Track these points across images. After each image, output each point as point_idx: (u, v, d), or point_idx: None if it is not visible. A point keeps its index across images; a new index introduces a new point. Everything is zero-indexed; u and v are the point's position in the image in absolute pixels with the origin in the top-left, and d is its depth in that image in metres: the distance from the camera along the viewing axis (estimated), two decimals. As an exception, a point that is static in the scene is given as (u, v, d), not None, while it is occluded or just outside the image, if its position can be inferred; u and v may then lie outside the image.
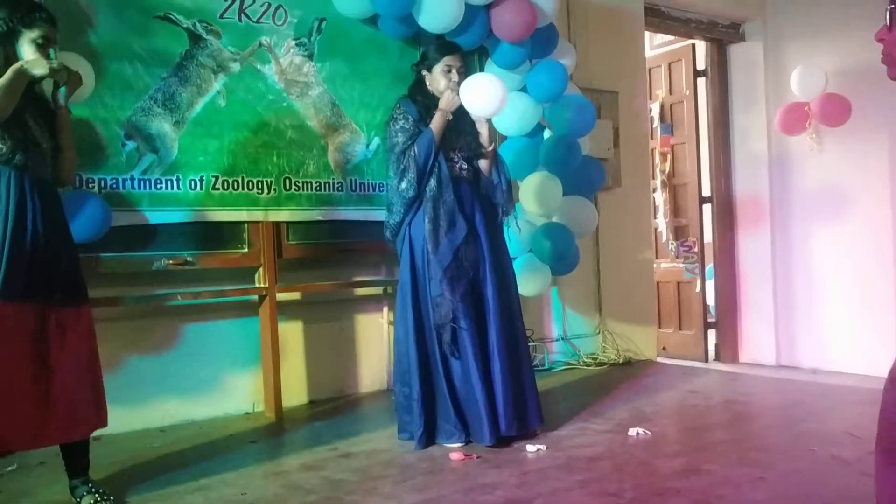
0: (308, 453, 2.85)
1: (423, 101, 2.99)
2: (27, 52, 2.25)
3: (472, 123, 3.00)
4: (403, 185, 2.90)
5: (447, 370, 2.88)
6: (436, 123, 2.90)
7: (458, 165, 2.98)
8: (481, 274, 2.93)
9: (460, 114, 2.94)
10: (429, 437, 2.88)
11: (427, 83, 3.02)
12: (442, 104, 2.92)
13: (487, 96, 2.84)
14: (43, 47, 2.27)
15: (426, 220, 2.87)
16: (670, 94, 6.05)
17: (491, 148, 3.01)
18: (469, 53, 3.88)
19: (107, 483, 2.48)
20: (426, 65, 3.03)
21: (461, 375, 2.87)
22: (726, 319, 5.83)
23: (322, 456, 2.81)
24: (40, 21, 2.27)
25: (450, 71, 2.97)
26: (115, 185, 3.14)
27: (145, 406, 3.33)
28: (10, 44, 2.24)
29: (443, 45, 3.10)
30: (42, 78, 2.24)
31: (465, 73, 3.00)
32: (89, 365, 2.35)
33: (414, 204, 2.92)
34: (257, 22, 3.49)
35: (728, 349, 5.82)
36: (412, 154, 2.88)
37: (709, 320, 5.89)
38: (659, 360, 5.05)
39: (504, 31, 3.60)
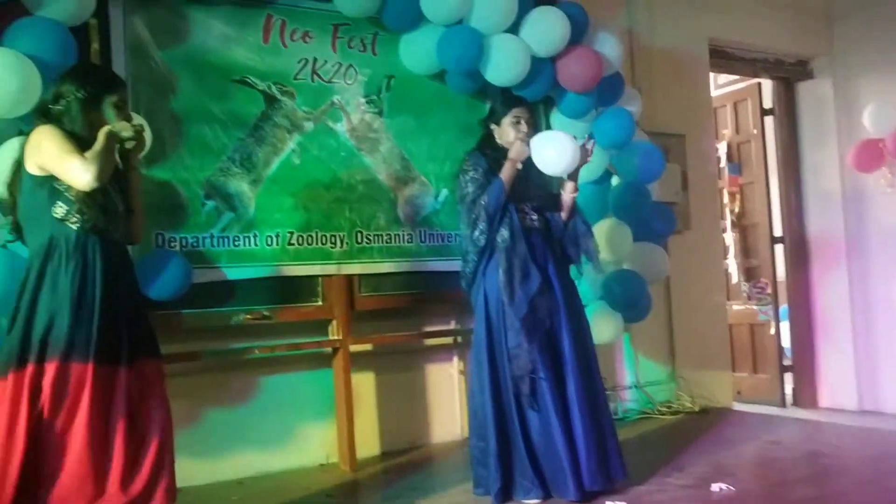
0: (385, 509, 2.85)
1: (492, 154, 3.02)
2: (109, 115, 2.37)
3: (542, 174, 3.02)
4: (475, 234, 2.92)
5: (524, 423, 2.85)
6: (505, 173, 2.92)
7: (529, 216, 2.99)
8: (556, 324, 2.91)
9: (530, 165, 2.95)
10: (505, 493, 2.84)
11: (496, 136, 3.05)
12: (511, 154, 2.93)
13: (558, 153, 2.85)
14: (122, 110, 2.41)
15: (500, 271, 2.88)
16: (737, 133, 5.97)
17: (573, 196, 3.01)
18: (534, 104, 3.93)
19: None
20: (494, 118, 3.07)
21: (539, 428, 2.84)
22: (803, 362, 5.65)
23: (399, 512, 2.81)
24: (118, 86, 2.43)
25: (518, 122, 3.00)
26: (195, 244, 3.25)
27: (223, 458, 3.39)
28: (94, 109, 2.36)
29: (509, 98, 3.15)
30: (128, 139, 2.35)
31: (532, 123, 3.03)
32: (160, 428, 2.35)
33: (486, 253, 2.94)
34: (329, 82, 3.59)
35: (806, 393, 5.62)
36: (482, 203, 2.90)
37: (785, 363, 5.71)
38: (735, 406, 4.91)
39: (571, 81, 3.63)
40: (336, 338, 3.54)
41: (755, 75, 5.65)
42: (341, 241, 3.57)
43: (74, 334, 2.21)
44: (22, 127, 2.68)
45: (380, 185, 3.70)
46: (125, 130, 2.33)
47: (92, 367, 2.21)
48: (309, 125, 3.53)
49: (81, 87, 2.34)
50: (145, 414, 2.33)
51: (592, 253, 3.06)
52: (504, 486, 2.83)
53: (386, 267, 3.68)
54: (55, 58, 2.65)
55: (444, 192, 3.85)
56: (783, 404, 5.54)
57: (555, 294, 2.93)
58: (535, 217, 3.01)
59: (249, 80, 3.41)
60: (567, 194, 3.03)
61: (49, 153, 2.23)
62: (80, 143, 2.26)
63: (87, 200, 2.27)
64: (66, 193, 2.26)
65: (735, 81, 5.96)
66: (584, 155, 2.95)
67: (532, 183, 3.03)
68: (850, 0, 5.43)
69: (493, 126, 3.07)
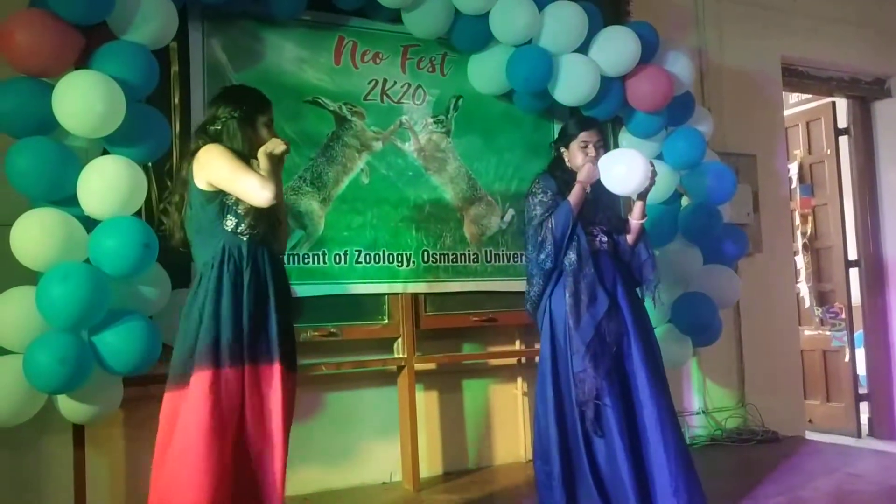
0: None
1: (561, 176, 2.99)
2: (262, 133, 2.50)
3: (612, 197, 2.99)
4: (542, 256, 2.90)
5: (589, 449, 2.80)
6: (574, 196, 2.89)
7: (597, 239, 2.96)
8: (626, 348, 2.86)
9: (600, 188, 2.93)
10: None
11: (566, 159, 3.03)
12: (580, 177, 2.91)
13: (628, 171, 2.82)
14: (270, 128, 2.54)
15: (567, 295, 2.85)
16: (809, 153, 5.81)
17: (642, 221, 2.97)
18: (603, 123, 3.89)
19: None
20: (564, 141, 3.04)
21: (605, 455, 2.78)
22: (880, 390, 5.43)
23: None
24: (267, 106, 2.56)
25: (586, 146, 2.96)
26: (266, 261, 3.30)
27: (288, 473, 3.40)
28: (249, 127, 2.48)
29: (579, 120, 3.11)
30: (284, 154, 2.45)
31: (602, 146, 3.00)
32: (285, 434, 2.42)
33: (552, 276, 2.91)
34: (398, 102, 3.63)
35: (884, 423, 5.40)
36: (549, 226, 2.88)
37: (860, 391, 5.49)
38: (808, 435, 4.74)
39: (640, 101, 3.59)
40: (401, 356, 3.55)
41: (829, 94, 5.51)
42: (408, 260, 3.59)
43: (257, 339, 2.36)
44: (105, 147, 2.79)
45: (447, 204, 3.71)
46: (279, 147, 2.43)
47: (280, 368, 2.37)
48: (377, 145, 3.57)
49: (237, 108, 2.48)
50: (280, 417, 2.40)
51: (651, 284, 3.01)
52: None
53: (452, 286, 3.69)
54: (139, 80, 2.74)
55: (511, 211, 3.84)
56: (858, 434, 5.33)
57: (623, 317, 2.88)
58: (604, 240, 2.97)
59: (321, 101, 3.47)
60: (634, 219, 2.99)
61: (222, 171, 2.37)
62: (241, 159, 2.41)
63: (255, 213, 2.41)
64: (235, 207, 2.40)
65: (808, 100, 5.82)
66: (651, 178, 2.91)
67: (601, 205, 3.00)
68: (929, 16, 5.26)
69: (562, 149, 3.05)
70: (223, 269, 2.37)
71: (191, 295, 2.40)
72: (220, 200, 2.40)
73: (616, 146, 3.89)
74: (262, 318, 2.38)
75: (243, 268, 2.38)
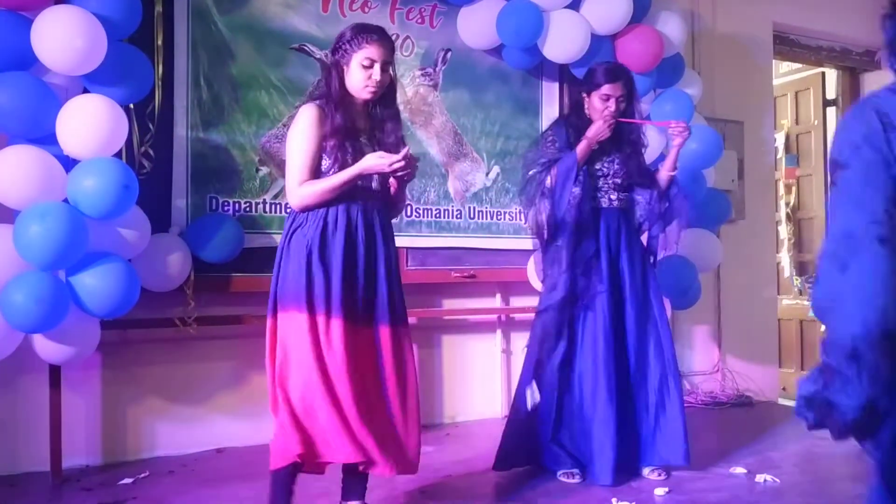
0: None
1: (576, 123, 2.91)
2: (357, 76, 2.30)
3: (636, 149, 2.95)
4: (541, 216, 2.86)
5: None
6: (579, 151, 2.81)
7: (608, 196, 2.90)
8: (625, 316, 2.88)
9: (622, 140, 2.88)
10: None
11: (585, 106, 2.91)
12: (589, 133, 2.81)
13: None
14: (372, 70, 2.28)
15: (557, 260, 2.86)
16: (797, 123, 5.82)
17: (673, 173, 2.95)
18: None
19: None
20: (587, 88, 2.90)
21: (585, 402, 2.85)
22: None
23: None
24: (369, 39, 2.28)
25: (608, 100, 2.82)
26: (248, 209, 3.28)
27: (267, 419, 3.42)
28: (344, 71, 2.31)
29: (609, 70, 2.88)
30: (394, 174, 2.30)
31: (625, 101, 2.85)
32: (412, 390, 2.35)
33: (552, 231, 2.87)
34: (386, 53, 3.58)
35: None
36: (549, 181, 2.83)
37: (834, 361, 5.57)
38: (780, 401, 4.81)
39: (630, 60, 3.55)
40: (381, 309, 3.55)
41: (819, 64, 5.50)
42: (391, 214, 3.57)
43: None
44: (86, 85, 2.74)
45: (431, 159, 3.69)
46: (380, 164, 2.20)
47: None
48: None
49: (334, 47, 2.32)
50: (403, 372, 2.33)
51: (688, 216, 3.02)
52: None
53: (434, 241, 3.69)
54: (121, 18, 2.69)
55: (496, 169, 3.83)
56: (830, 402, 5.41)
57: (622, 283, 2.89)
58: (614, 196, 2.91)
59: (307, 48, 3.42)
60: (667, 171, 2.94)
61: (287, 151, 2.28)
62: (351, 122, 2.27)
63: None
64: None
65: (797, 70, 5.81)
66: (686, 132, 2.87)
67: (622, 158, 2.91)
68: (924, -12, 5.23)
69: (584, 94, 2.91)
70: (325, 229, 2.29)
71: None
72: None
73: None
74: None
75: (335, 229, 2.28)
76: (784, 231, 5.80)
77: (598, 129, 2.81)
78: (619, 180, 2.91)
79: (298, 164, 2.24)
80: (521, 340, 4.03)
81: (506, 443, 2.88)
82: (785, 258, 5.80)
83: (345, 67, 2.28)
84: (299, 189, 2.23)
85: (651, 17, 3.72)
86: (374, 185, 2.31)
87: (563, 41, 3.48)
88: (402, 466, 2.27)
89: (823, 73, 5.63)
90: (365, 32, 2.27)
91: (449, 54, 3.72)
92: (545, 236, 2.88)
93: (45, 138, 2.63)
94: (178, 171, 3.15)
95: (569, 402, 2.85)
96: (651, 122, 2.94)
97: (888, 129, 1.16)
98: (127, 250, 2.77)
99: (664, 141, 3.83)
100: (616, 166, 2.91)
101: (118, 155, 2.79)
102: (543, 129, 3.88)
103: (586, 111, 2.90)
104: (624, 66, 2.99)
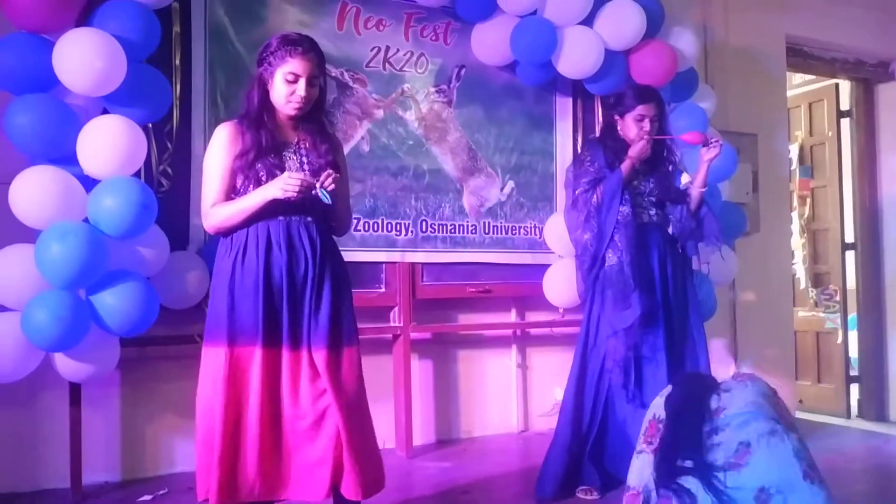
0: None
1: (612, 145, 2.98)
2: (280, 89, 2.21)
3: (668, 167, 3.02)
4: (586, 236, 2.92)
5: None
6: (624, 171, 2.88)
7: (647, 212, 2.97)
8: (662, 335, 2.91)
9: (656, 158, 2.94)
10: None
11: (618, 127, 2.99)
12: (632, 152, 2.89)
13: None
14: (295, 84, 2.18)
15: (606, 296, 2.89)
16: (811, 135, 5.80)
17: (702, 190, 2.99)
18: (605, 99, 3.89)
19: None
20: (619, 110, 2.99)
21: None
22: (871, 373, 5.46)
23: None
24: (292, 50, 2.18)
25: (642, 120, 2.92)
26: (265, 226, 3.30)
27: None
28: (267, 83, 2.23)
29: (640, 92, 3.01)
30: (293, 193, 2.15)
31: (658, 120, 2.94)
32: (355, 413, 2.19)
33: (599, 254, 2.91)
34: (400, 70, 3.61)
35: (873, 405, 5.43)
36: (595, 199, 2.89)
37: (851, 373, 5.54)
38: (798, 415, 4.78)
39: (644, 76, 3.57)
40: (397, 325, 3.57)
41: (833, 76, 5.48)
42: (406, 230, 3.59)
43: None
44: (105, 106, 2.77)
45: (446, 175, 3.71)
46: (289, 189, 2.08)
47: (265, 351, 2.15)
48: (379, 113, 3.56)
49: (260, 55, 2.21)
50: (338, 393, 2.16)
51: (719, 236, 3.08)
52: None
53: (449, 257, 3.70)
54: (140, 39, 2.73)
55: (511, 184, 3.84)
56: (848, 415, 5.38)
57: (669, 299, 2.94)
58: (653, 212, 2.98)
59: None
60: (696, 188, 3.00)
61: (204, 168, 2.23)
62: (269, 140, 2.18)
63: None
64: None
65: (811, 82, 5.79)
66: (718, 148, 2.93)
67: (658, 175, 2.99)
68: (937, -1, 5.22)
69: (616, 117, 3.00)
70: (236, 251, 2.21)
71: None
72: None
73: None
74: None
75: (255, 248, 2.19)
76: (798, 242, 5.77)
77: (641, 149, 2.87)
78: (653, 198, 2.99)
79: (210, 186, 2.18)
80: (536, 355, 4.05)
81: (549, 469, 2.86)
82: (800, 270, 5.77)
83: (269, 80, 2.18)
84: (210, 211, 2.17)
85: (664, 32, 3.73)
86: (296, 198, 2.11)
87: (577, 57, 3.49)
88: (350, 489, 2.12)
89: (837, 85, 5.60)
90: (289, 44, 2.15)
91: (463, 71, 3.74)
92: (591, 254, 2.91)
93: (66, 158, 2.66)
94: (196, 190, 3.16)
95: (612, 420, 2.87)
96: (686, 138, 2.97)
97: None
98: (146, 268, 2.79)
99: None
100: (651, 184, 2.98)
101: (137, 174, 2.82)
102: (557, 144, 3.91)
103: (619, 132, 2.98)
104: (654, 88, 3.10)
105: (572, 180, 2.98)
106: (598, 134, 3.09)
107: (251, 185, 2.15)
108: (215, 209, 2.16)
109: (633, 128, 2.92)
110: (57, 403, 2.95)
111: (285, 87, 2.16)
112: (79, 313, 2.55)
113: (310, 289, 2.16)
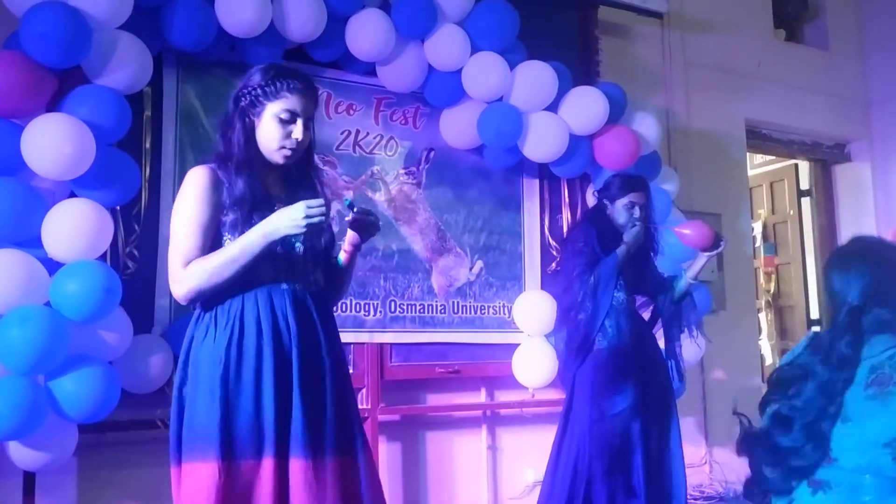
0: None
1: (602, 228, 3.04)
2: (270, 131, 1.89)
3: (649, 256, 3.12)
4: (581, 315, 2.93)
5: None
6: (621, 255, 2.95)
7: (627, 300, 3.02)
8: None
9: (643, 246, 3.03)
10: None
11: (607, 211, 3.08)
12: (628, 238, 2.96)
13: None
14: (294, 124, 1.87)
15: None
16: (773, 213, 5.95)
17: (690, 283, 3.08)
18: (571, 181, 3.97)
19: None
20: (609, 195, 3.09)
21: None
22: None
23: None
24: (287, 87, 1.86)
25: (633, 207, 3.02)
26: (231, 307, 3.28)
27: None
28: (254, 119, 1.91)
29: (627, 181, 3.13)
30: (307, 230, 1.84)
31: (646, 208, 3.05)
32: None
33: (590, 337, 2.93)
34: (370, 153, 3.67)
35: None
36: (592, 281, 2.92)
37: (822, 451, 5.53)
38: (770, 494, 4.75)
39: (608, 159, 3.66)
40: (365, 407, 3.51)
41: (792, 156, 5.67)
42: (375, 310, 3.58)
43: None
44: (73, 189, 2.77)
45: (415, 255, 3.73)
46: (293, 227, 1.71)
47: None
48: (349, 194, 3.60)
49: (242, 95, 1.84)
50: None
51: (698, 324, 3.19)
52: None
53: (418, 337, 3.68)
54: (111, 124, 2.74)
55: (480, 263, 3.87)
56: (820, 493, 5.35)
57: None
58: (622, 298, 3.01)
59: (293, 149, 3.48)
60: (689, 279, 3.11)
61: (172, 225, 1.81)
62: (262, 190, 1.81)
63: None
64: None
65: (771, 161, 5.98)
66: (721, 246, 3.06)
67: (639, 263, 3.07)
68: (888, 86, 5.46)
69: (606, 202, 3.09)
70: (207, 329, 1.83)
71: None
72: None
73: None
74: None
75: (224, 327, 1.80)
76: (765, 319, 5.85)
77: (636, 235, 2.94)
78: (638, 287, 3.09)
79: (184, 241, 1.74)
80: (507, 436, 4.00)
81: None
82: (765, 346, 5.83)
83: (255, 120, 1.81)
84: (186, 271, 1.72)
85: (627, 117, 3.84)
86: (299, 251, 1.79)
87: (542, 142, 3.58)
88: None
89: (797, 165, 5.79)
90: (286, 77, 1.80)
91: (432, 153, 3.81)
92: (582, 336, 2.92)
93: (30, 241, 2.63)
94: (161, 271, 3.14)
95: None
96: (690, 239, 3.08)
97: None
98: (108, 352, 2.74)
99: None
100: (631, 273, 3.05)
101: (103, 256, 2.80)
102: (525, 224, 3.96)
103: (608, 215, 3.07)
104: (642, 176, 3.23)
105: (565, 261, 3.02)
106: (581, 216, 3.18)
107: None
108: (194, 266, 1.71)
109: (624, 214, 3.01)
110: (9, 493, 2.84)
111: (278, 129, 1.79)
112: (36, 400, 2.48)
113: (329, 378, 1.80)
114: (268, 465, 1.67)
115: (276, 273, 1.76)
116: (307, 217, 1.67)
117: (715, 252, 3.06)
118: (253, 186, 1.78)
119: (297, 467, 1.70)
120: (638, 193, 3.03)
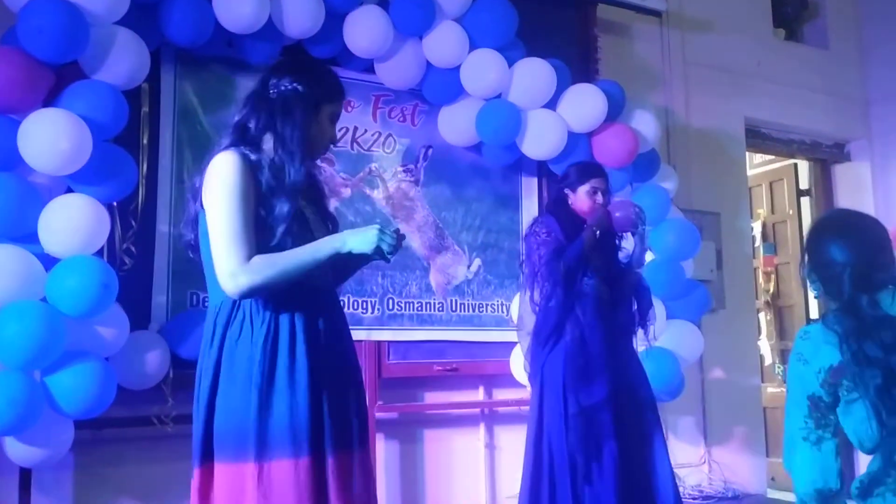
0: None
1: (564, 216, 3.00)
2: (326, 128, 1.95)
3: (615, 243, 3.03)
4: (551, 303, 2.88)
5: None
6: (587, 240, 2.87)
7: (597, 287, 2.95)
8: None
9: (606, 233, 2.94)
10: None
11: (569, 202, 3.03)
12: (591, 220, 2.90)
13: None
14: (334, 125, 1.98)
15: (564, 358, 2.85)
16: (772, 213, 5.94)
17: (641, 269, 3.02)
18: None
19: None
20: (569, 184, 3.04)
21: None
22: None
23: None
24: (340, 93, 1.97)
25: (595, 192, 2.98)
26: (229, 304, 3.27)
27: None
28: (313, 116, 1.91)
29: (587, 167, 3.09)
30: (380, 255, 1.81)
31: (608, 193, 3.02)
32: None
33: (557, 326, 2.89)
34: (368, 150, 3.66)
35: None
36: (559, 269, 2.85)
37: (822, 450, 5.51)
38: (770, 494, 4.74)
39: (606, 157, 3.65)
40: (363, 404, 3.51)
41: (791, 156, 5.66)
42: (373, 308, 3.58)
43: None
44: (70, 184, 2.77)
45: (413, 252, 3.73)
46: (364, 248, 1.70)
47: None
48: (346, 192, 3.59)
49: (301, 80, 1.82)
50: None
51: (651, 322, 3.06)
52: None
53: (416, 335, 3.68)
54: (108, 120, 2.74)
55: (478, 261, 3.87)
56: (820, 493, 5.33)
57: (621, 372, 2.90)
58: (602, 287, 2.96)
59: (291, 147, 3.48)
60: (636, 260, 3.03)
61: (214, 215, 1.71)
62: (278, 184, 1.74)
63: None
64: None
65: (771, 161, 5.96)
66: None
67: (606, 250, 3.00)
68: (887, 85, 5.46)
69: (567, 191, 3.04)
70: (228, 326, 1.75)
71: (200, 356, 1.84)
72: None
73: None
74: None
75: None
76: (764, 319, 5.83)
77: (599, 218, 2.88)
78: (603, 273, 2.97)
79: (242, 233, 1.67)
80: (504, 434, 3.99)
81: None
82: (765, 346, 5.81)
83: (312, 113, 1.82)
84: (248, 265, 1.65)
85: (626, 115, 3.84)
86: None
87: (540, 139, 3.57)
88: None
89: (796, 165, 5.78)
90: (336, 83, 1.90)
91: (430, 151, 3.81)
92: (552, 324, 2.88)
93: (27, 237, 2.63)
94: (158, 268, 3.15)
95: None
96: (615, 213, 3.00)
97: None
98: (105, 348, 2.74)
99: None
100: (601, 259, 2.98)
101: (100, 252, 2.80)
102: (523, 222, 3.94)
103: (571, 206, 3.01)
104: (599, 163, 3.19)
105: (530, 253, 2.96)
106: (541, 211, 3.12)
107: (290, 242, 1.71)
108: (259, 262, 1.66)
109: (587, 200, 2.97)
110: (6, 490, 2.84)
111: (329, 129, 1.86)
112: (32, 395, 2.48)
113: (353, 375, 1.85)
114: (304, 463, 1.66)
115: (313, 280, 1.77)
116: (380, 242, 1.69)
117: (636, 234, 2.92)
118: (305, 174, 1.78)
119: (334, 464, 1.71)
120: (598, 179, 2.99)
